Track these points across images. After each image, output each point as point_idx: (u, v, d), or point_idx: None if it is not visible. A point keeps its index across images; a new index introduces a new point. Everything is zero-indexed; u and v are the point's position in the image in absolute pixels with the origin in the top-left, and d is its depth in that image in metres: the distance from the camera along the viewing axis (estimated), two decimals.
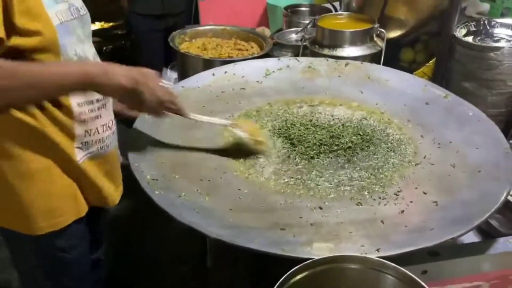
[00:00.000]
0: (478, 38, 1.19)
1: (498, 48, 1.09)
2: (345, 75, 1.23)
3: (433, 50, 1.37)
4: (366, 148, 0.97)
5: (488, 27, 1.21)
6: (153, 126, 1.00)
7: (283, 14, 1.73)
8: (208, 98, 1.14)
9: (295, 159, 0.94)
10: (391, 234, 0.73)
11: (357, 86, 1.19)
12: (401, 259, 0.67)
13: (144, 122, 1.01)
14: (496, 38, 1.18)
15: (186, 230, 0.74)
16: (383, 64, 1.33)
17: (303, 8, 1.80)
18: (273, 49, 1.55)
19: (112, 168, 1.11)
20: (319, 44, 1.36)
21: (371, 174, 0.89)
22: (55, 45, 0.95)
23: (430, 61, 1.28)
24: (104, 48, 3.80)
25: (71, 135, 1.04)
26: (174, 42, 1.55)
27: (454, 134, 0.98)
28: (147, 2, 2.55)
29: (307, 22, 1.48)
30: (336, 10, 1.67)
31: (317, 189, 0.85)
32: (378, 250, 0.67)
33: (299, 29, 1.57)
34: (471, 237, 0.89)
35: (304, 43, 1.42)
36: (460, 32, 1.18)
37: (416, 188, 0.85)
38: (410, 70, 1.37)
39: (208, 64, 1.40)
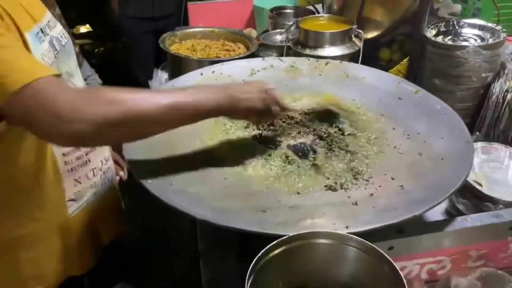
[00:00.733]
0: (448, 37, 1.28)
1: (464, 47, 1.18)
2: (325, 73, 1.32)
3: (407, 49, 1.45)
4: (341, 139, 1.05)
5: (457, 27, 1.30)
6: None
7: (268, 16, 1.81)
8: None
9: (275, 150, 1.02)
10: (360, 214, 0.81)
11: (336, 84, 1.28)
12: (370, 236, 0.75)
13: None
14: (464, 38, 1.27)
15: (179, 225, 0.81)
16: (362, 63, 1.42)
17: (288, 10, 1.89)
18: (259, 49, 1.63)
19: (107, 209, 1.10)
20: (302, 44, 1.45)
21: (346, 164, 0.97)
22: None
23: (404, 60, 1.37)
24: (96, 50, 3.86)
25: (59, 189, 0.97)
26: (165, 44, 1.63)
27: (422, 126, 1.07)
28: (138, 5, 2.63)
29: (291, 23, 1.57)
30: (318, 12, 1.75)
31: (296, 177, 0.93)
32: (347, 227, 0.76)
33: (283, 30, 1.65)
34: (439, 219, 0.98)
35: (288, 44, 1.50)
36: (430, 33, 1.27)
37: (385, 174, 0.94)
38: (388, 68, 1.45)
39: (197, 64, 1.48)
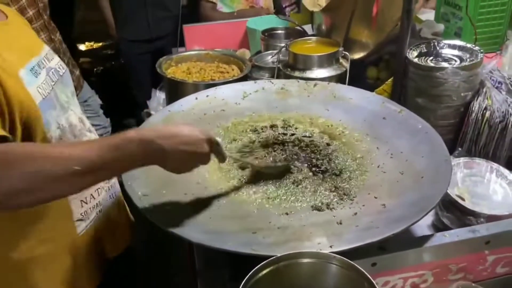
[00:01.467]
0: (430, 58, 1.35)
1: (443, 68, 1.24)
2: (313, 94, 1.38)
3: (392, 69, 1.52)
4: (327, 160, 1.11)
5: (437, 48, 1.37)
6: None
7: (260, 38, 1.88)
8: (192, 120, 1.28)
9: (265, 170, 1.08)
10: (344, 233, 0.87)
11: (324, 104, 1.34)
12: (354, 253, 0.81)
13: None
14: (445, 58, 1.34)
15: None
16: (350, 82, 1.48)
17: (279, 31, 1.95)
18: (252, 70, 1.70)
19: (114, 224, 1.15)
20: (291, 67, 1.51)
21: (331, 183, 1.03)
22: (40, 125, 0.91)
23: (389, 79, 1.43)
24: (95, 69, 3.95)
25: (67, 210, 1.01)
26: (161, 68, 1.70)
27: (405, 145, 1.13)
28: (135, 28, 2.71)
29: (282, 45, 1.63)
30: (307, 33, 1.82)
31: (285, 199, 0.99)
32: (331, 246, 0.82)
33: (274, 51, 1.72)
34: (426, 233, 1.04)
35: (278, 66, 1.57)
36: (412, 54, 1.34)
37: (369, 193, 1.00)
38: (375, 86, 1.52)
39: (193, 87, 1.55)
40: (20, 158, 0.73)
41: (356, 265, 0.74)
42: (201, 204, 0.98)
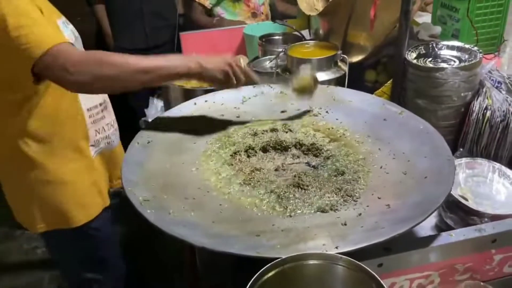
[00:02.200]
0: (428, 59, 1.35)
1: (442, 69, 1.24)
2: (313, 98, 1.38)
3: (392, 71, 1.52)
4: (330, 162, 1.10)
5: (436, 50, 1.37)
6: (143, 153, 1.13)
7: (258, 43, 1.88)
8: (191, 125, 1.27)
9: (267, 176, 1.07)
10: (349, 234, 0.86)
11: (324, 107, 1.34)
12: (360, 254, 0.80)
13: (134, 150, 1.13)
14: (443, 59, 1.34)
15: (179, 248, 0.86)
16: (349, 85, 1.48)
17: (276, 37, 1.95)
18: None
19: (117, 160, 1.40)
20: (290, 71, 1.51)
21: (335, 185, 1.02)
22: None
23: (388, 82, 1.43)
24: None
25: (86, 137, 1.32)
26: None
27: (406, 146, 1.12)
28: (132, 37, 2.71)
29: (280, 50, 1.63)
30: (305, 38, 1.82)
31: (288, 201, 0.98)
32: (337, 247, 0.80)
33: (272, 57, 1.72)
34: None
35: (277, 70, 1.56)
36: (411, 56, 1.34)
37: (372, 194, 0.99)
38: (374, 89, 1.52)
39: (190, 93, 1.54)
40: (113, 62, 1.09)
41: (363, 265, 0.73)
42: (203, 208, 0.96)
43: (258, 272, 0.73)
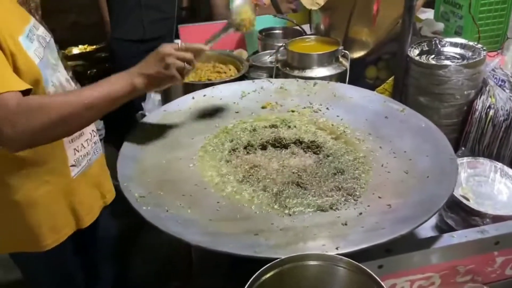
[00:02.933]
0: (431, 56, 1.32)
1: (446, 66, 1.22)
2: (313, 93, 1.36)
3: (393, 68, 1.49)
4: (330, 160, 1.08)
5: (439, 46, 1.34)
6: (138, 148, 1.10)
7: (258, 37, 1.85)
8: (189, 120, 1.25)
9: (266, 173, 1.05)
10: (350, 234, 0.84)
11: (324, 104, 1.31)
12: (360, 255, 0.78)
13: (131, 145, 1.11)
14: (447, 56, 1.31)
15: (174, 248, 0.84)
16: (349, 82, 1.46)
17: (277, 31, 1.93)
18: (249, 70, 1.67)
19: (100, 175, 1.32)
20: (290, 66, 1.49)
21: (335, 183, 1.00)
22: (40, 81, 1.07)
23: (390, 79, 1.41)
24: (89, 71, 3.90)
25: (64, 157, 1.20)
26: None
27: (408, 144, 1.10)
28: (129, 28, 2.67)
29: (280, 44, 1.61)
30: (305, 32, 1.80)
31: (287, 199, 0.96)
32: (337, 248, 0.78)
33: (272, 51, 1.69)
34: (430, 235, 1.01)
35: (277, 65, 1.54)
36: (413, 52, 1.31)
37: (373, 193, 0.96)
38: (374, 86, 1.49)
39: (189, 87, 1.51)
40: (53, 105, 0.97)
41: (364, 267, 0.71)
42: (200, 206, 0.94)
43: (256, 274, 0.71)
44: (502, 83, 1.26)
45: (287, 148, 1.14)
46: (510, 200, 1.07)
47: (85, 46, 4.25)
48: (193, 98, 1.33)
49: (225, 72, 1.69)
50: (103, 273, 1.58)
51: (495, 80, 1.27)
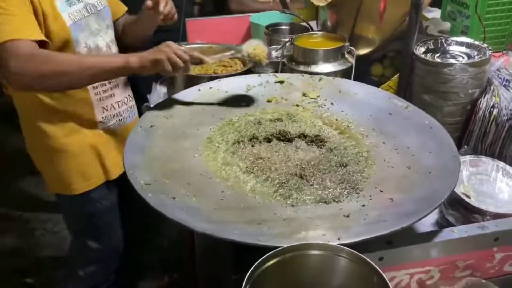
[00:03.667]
0: (436, 55, 1.33)
1: (451, 64, 1.23)
2: (318, 89, 1.37)
3: (399, 65, 1.50)
4: (333, 153, 1.10)
5: (445, 45, 1.35)
6: (145, 137, 1.12)
7: (264, 33, 1.86)
8: (195, 112, 1.26)
9: (270, 165, 1.06)
10: (352, 226, 0.85)
11: (329, 99, 1.32)
12: (361, 247, 0.79)
13: (137, 135, 1.12)
14: (452, 55, 1.32)
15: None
16: (354, 79, 1.47)
17: (283, 27, 1.94)
18: (255, 65, 1.68)
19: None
20: (296, 61, 1.49)
21: (338, 176, 1.01)
22: (69, 41, 1.26)
23: (395, 76, 1.41)
24: None
25: (93, 113, 1.36)
26: None
27: (411, 140, 1.11)
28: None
29: (287, 39, 1.62)
30: (312, 29, 1.80)
31: (290, 191, 0.97)
32: (339, 238, 0.80)
33: (278, 46, 1.70)
34: None
35: (283, 60, 1.55)
36: (419, 50, 1.32)
37: (375, 187, 0.98)
38: (379, 83, 1.50)
39: (195, 80, 1.52)
40: (58, 59, 1.15)
41: (365, 257, 0.72)
42: (204, 194, 0.95)
43: (258, 261, 0.72)
44: (507, 83, 1.27)
45: (291, 142, 1.15)
46: (511, 199, 1.08)
47: None
48: (199, 90, 1.34)
49: (231, 66, 1.69)
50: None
51: (500, 80, 1.28)
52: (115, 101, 1.42)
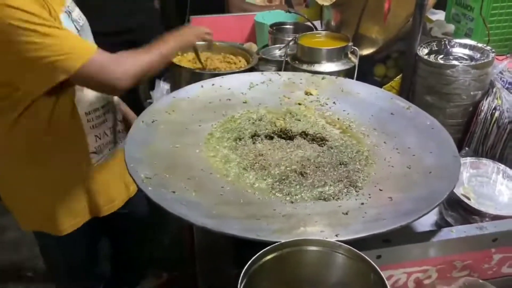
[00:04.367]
0: (440, 56, 1.33)
1: (454, 66, 1.23)
2: (321, 88, 1.37)
3: (402, 66, 1.50)
4: (334, 151, 1.10)
5: (448, 47, 1.35)
6: (146, 132, 1.12)
7: (268, 31, 1.86)
8: (197, 107, 1.27)
9: (270, 162, 1.06)
10: (350, 223, 0.85)
11: (331, 98, 1.33)
12: (359, 244, 0.79)
13: (138, 129, 1.12)
14: (455, 57, 1.32)
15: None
16: (357, 79, 1.47)
17: (287, 26, 1.94)
18: (259, 63, 1.68)
19: (123, 167, 1.32)
20: (299, 60, 1.50)
21: (338, 175, 1.02)
22: None
23: (398, 77, 1.42)
24: None
25: (84, 143, 1.25)
26: None
27: (412, 141, 1.12)
28: (105, 20, 2.59)
29: (290, 38, 1.62)
30: (316, 28, 1.81)
31: (290, 187, 0.98)
32: (337, 235, 0.80)
33: (282, 45, 1.71)
34: None
35: (286, 59, 1.55)
36: (422, 51, 1.32)
37: (375, 186, 0.98)
38: (382, 84, 1.50)
39: (197, 76, 1.53)
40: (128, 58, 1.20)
41: (363, 255, 0.72)
42: (204, 189, 0.96)
43: (255, 256, 0.72)
44: (510, 86, 1.27)
45: (292, 140, 1.16)
46: (511, 201, 1.08)
47: None
48: (202, 86, 1.35)
49: (234, 63, 1.70)
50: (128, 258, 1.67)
51: (503, 82, 1.28)
52: (107, 127, 1.34)
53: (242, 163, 1.06)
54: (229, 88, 1.35)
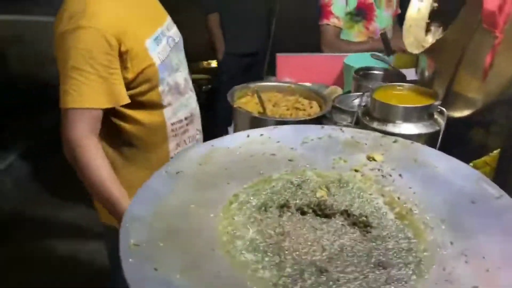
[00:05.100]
0: None
1: None
2: (389, 153, 1.11)
3: (507, 136, 1.17)
4: (376, 244, 0.84)
5: None
6: (165, 184, 0.99)
7: (352, 77, 1.65)
8: (234, 161, 1.10)
9: (290, 242, 0.85)
10: None
11: (398, 168, 1.06)
12: None
13: (157, 180, 1.00)
14: None
15: None
16: (445, 145, 1.18)
17: (376, 72, 1.70)
18: (332, 111, 1.49)
19: None
20: (370, 116, 1.26)
21: (370, 282, 0.76)
22: (156, 80, 1.28)
23: (496, 150, 1.09)
24: (204, 87, 4.04)
25: (165, 150, 1.36)
26: (233, 96, 1.56)
27: (494, 248, 0.81)
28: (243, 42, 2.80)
29: (368, 89, 1.39)
30: (405, 78, 1.54)
31: (302, 282, 0.75)
32: None
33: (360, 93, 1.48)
34: None
35: (358, 112, 1.32)
36: None
37: None
38: (479, 156, 1.19)
39: (258, 122, 1.39)
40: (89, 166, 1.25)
41: None
42: (195, 271, 0.79)
43: None
44: None
45: (330, 218, 0.93)
46: None
47: (207, 61, 4.43)
48: (248, 136, 1.19)
49: (304, 110, 1.52)
50: None
51: None
52: (188, 136, 1.44)
53: (255, 240, 0.86)
54: (278, 141, 1.17)
